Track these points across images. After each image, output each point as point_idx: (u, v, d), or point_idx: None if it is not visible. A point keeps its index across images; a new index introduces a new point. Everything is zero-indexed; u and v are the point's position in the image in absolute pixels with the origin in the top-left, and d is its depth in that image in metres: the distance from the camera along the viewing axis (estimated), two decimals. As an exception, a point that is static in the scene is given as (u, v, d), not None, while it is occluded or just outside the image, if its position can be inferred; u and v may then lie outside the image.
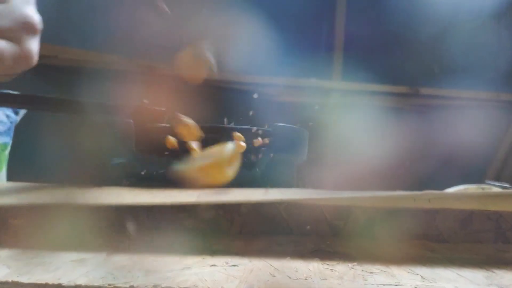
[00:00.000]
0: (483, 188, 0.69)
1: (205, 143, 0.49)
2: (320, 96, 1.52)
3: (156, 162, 0.49)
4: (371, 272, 0.32)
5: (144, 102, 0.50)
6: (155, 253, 0.35)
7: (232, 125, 0.53)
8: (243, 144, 0.49)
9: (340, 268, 0.33)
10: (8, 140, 0.51)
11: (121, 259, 0.34)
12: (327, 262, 0.35)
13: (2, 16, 0.41)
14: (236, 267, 0.33)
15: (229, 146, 0.47)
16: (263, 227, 0.43)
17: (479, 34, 1.53)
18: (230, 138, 0.50)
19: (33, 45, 0.44)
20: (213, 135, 0.50)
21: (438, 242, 0.42)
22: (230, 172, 0.47)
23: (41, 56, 0.45)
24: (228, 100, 1.47)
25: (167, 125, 0.50)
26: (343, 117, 1.51)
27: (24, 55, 0.42)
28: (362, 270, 0.33)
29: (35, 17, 0.43)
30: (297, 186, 0.54)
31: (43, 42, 0.45)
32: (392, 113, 1.59)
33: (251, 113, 0.55)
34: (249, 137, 0.50)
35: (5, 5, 0.41)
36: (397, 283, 0.30)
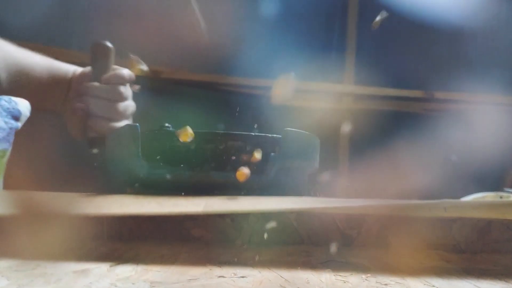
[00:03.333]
0: (501, 196, 0.68)
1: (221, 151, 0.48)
2: (331, 101, 1.52)
3: (162, 169, 0.48)
4: (386, 284, 0.32)
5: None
6: (160, 264, 0.35)
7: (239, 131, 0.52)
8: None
9: (354, 280, 0.33)
10: (6, 146, 0.50)
11: (125, 270, 0.33)
12: (339, 273, 0.34)
13: None
14: (245, 278, 0.32)
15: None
16: (273, 237, 0.42)
17: (495, 36, 1.51)
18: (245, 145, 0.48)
19: None
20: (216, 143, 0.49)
21: (455, 253, 0.42)
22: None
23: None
24: (237, 104, 1.47)
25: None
26: (356, 122, 1.50)
27: None
28: (376, 282, 0.32)
29: None
30: (308, 194, 0.53)
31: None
32: (406, 118, 1.58)
33: (255, 125, 0.54)
34: (260, 144, 0.49)
35: None
36: (412, 296, 0.30)
